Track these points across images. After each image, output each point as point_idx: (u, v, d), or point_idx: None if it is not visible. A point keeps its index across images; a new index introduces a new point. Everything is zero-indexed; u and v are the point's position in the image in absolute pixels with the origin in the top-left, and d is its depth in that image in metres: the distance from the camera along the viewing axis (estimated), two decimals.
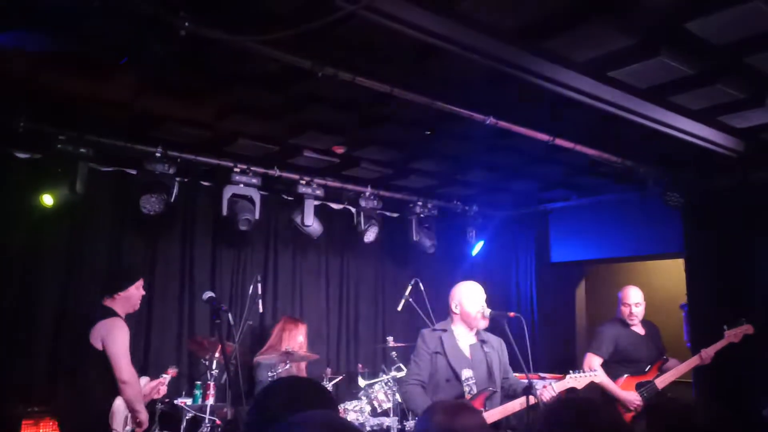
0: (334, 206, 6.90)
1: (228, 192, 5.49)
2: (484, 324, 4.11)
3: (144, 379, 4.45)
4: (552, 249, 7.47)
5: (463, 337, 4.10)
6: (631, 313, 4.95)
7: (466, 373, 3.95)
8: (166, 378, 4.64)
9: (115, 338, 3.95)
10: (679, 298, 6.36)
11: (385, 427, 5.36)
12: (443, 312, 4.37)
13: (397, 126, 4.89)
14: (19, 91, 4.26)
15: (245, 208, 5.57)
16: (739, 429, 1.95)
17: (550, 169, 6.09)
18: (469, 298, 4.10)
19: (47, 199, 4.81)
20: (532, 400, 3.72)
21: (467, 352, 4.06)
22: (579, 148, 5.06)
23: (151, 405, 4.66)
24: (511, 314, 4.00)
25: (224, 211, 5.50)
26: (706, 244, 5.82)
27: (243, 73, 3.99)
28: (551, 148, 5.04)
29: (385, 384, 5.58)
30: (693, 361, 4.82)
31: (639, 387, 4.81)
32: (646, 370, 4.88)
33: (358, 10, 2.90)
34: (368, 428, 5.30)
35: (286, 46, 3.45)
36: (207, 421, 4.86)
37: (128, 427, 4.01)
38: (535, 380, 4.02)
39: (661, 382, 4.80)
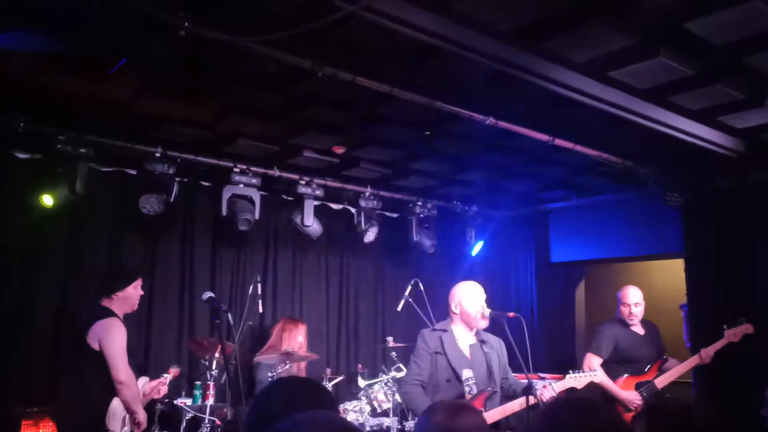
0: (334, 206, 6.91)
1: (227, 192, 5.50)
2: (483, 324, 4.11)
3: (143, 379, 4.45)
4: (552, 249, 7.47)
5: (463, 338, 4.10)
6: (630, 313, 4.95)
7: (466, 373, 3.95)
8: (166, 378, 4.63)
9: (112, 338, 3.93)
10: (679, 298, 6.37)
11: (384, 427, 5.36)
12: (443, 312, 4.37)
13: (396, 126, 4.89)
14: (19, 91, 4.25)
15: (245, 208, 5.57)
16: (739, 429, 1.95)
17: (550, 169, 6.09)
18: (469, 298, 4.10)
19: (47, 200, 4.81)
20: (531, 400, 3.72)
21: (467, 353, 4.06)
22: (579, 148, 5.07)
23: (150, 405, 4.65)
24: (511, 314, 3.99)
25: (224, 212, 5.51)
26: (705, 244, 5.82)
27: (243, 73, 3.99)
28: (551, 148, 5.05)
29: (385, 384, 5.58)
30: (693, 361, 4.82)
31: (639, 387, 4.81)
32: (646, 370, 4.88)
33: (358, 11, 2.90)
34: (368, 428, 5.29)
35: (286, 46, 3.45)
36: (207, 421, 4.85)
37: (126, 428, 3.99)
38: (534, 380, 4.02)
39: (661, 381, 4.80)
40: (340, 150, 5.46)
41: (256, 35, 3.17)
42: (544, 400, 3.86)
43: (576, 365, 5.04)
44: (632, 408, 4.74)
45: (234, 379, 4.34)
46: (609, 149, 5.29)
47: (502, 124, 4.51)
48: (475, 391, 3.92)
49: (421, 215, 6.81)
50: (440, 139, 5.21)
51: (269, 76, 3.99)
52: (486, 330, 4.19)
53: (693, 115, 4.51)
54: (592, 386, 4.36)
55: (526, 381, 3.78)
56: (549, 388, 3.95)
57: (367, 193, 6.38)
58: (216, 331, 5.13)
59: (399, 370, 5.73)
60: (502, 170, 6.15)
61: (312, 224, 6.04)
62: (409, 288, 6.07)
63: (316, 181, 5.99)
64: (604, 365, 4.85)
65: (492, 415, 3.84)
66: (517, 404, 3.88)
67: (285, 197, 6.48)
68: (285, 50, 3.48)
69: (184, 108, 4.59)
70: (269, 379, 5.04)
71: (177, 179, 5.34)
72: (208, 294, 4.02)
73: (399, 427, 5.34)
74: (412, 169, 6.14)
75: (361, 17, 2.98)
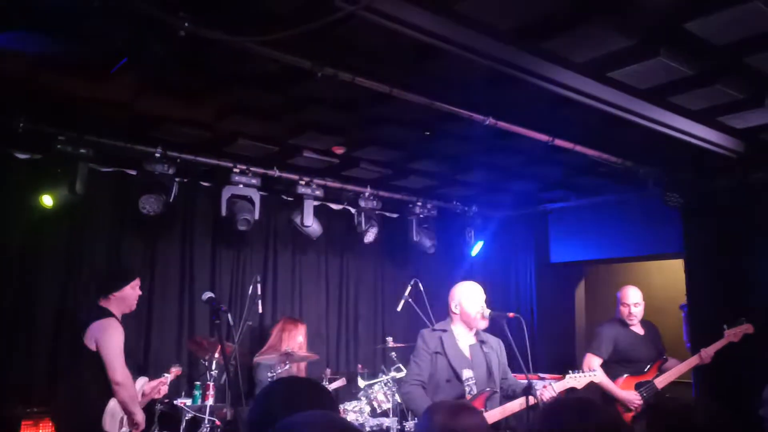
0: (334, 206, 6.91)
1: (227, 192, 5.50)
2: (483, 324, 4.11)
3: (142, 380, 4.43)
4: (551, 249, 7.47)
5: (463, 338, 4.11)
6: (630, 313, 4.95)
7: (466, 374, 3.95)
8: (167, 377, 4.62)
9: (109, 339, 3.90)
10: (679, 298, 6.37)
11: (384, 427, 5.36)
12: (443, 312, 4.37)
13: (396, 126, 4.89)
14: (19, 91, 4.25)
15: (244, 208, 5.57)
16: (738, 429, 1.95)
17: (550, 170, 6.09)
18: (469, 298, 4.10)
19: (47, 200, 4.80)
20: (531, 400, 3.72)
21: (467, 353, 4.06)
22: (578, 148, 5.07)
23: (150, 405, 4.65)
24: (511, 315, 3.99)
25: (223, 212, 5.51)
26: (705, 245, 5.82)
27: (242, 73, 3.99)
28: (551, 149, 5.04)
29: (385, 384, 5.58)
30: (693, 361, 4.82)
31: (638, 387, 4.81)
32: (646, 370, 4.88)
33: (358, 11, 2.90)
34: (368, 429, 5.29)
35: (286, 46, 3.45)
36: (206, 421, 4.85)
37: (125, 429, 3.98)
38: (534, 380, 4.02)
39: (661, 381, 4.80)
40: (339, 150, 5.46)
41: (256, 35, 3.17)
42: (544, 400, 3.86)
43: (576, 365, 5.03)
44: (632, 408, 4.75)
45: (234, 380, 4.34)
46: (609, 149, 5.29)
47: (502, 124, 4.51)
48: (475, 391, 3.92)
49: (421, 215, 6.81)
50: (440, 140, 5.21)
51: (269, 77, 3.99)
52: (486, 330, 4.19)
53: (693, 116, 4.52)
54: (592, 386, 4.36)
55: (525, 381, 3.78)
56: (549, 388, 3.95)
57: (367, 194, 6.38)
58: (216, 331, 5.13)
59: (399, 370, 5.72)
60: (502, 170, 6.16)
61: (312, 224, 6.05)
62: (409, 288, 6.07)
63: (316, 181, 5.99)
64: (603, 365, 4.86)
65: (492, 416, 3.84)
66: (517, 404, 3.88)
67: (285, 197, 6.48)
68: (285, 50, 3.48)
69: (184, 108, 4.59)
70: (269, 380, 5.04)
71: (177, 179, 5.34)
72: (207, 294, 4.01)
73: (399, 427, 5.33)
74: (411, 170, 6.14)
75: (360, 17, 2.98)
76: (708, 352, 4.80)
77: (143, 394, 4.40)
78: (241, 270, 6.30)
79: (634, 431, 4.72)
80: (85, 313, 4.15)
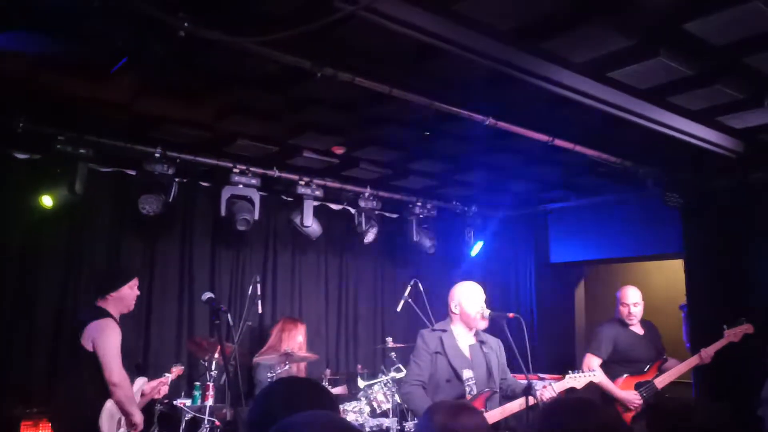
0: (334, 207, 6.91)
1: (227, 193, 5.50)
2: (483, 324, 4.11)
3: (141, 380, 4.41)
4: (551, 249, 7.48)
5: (463, 338, 4.10)
6: (629, 313, 4.95)
7: (466, 374, 3.95)
8: (168, 377, 4.61)
9: (105, 340, 3.87)
10: (678, 298, 6.37)
11: (384, 427, 5.35)
12: (443, 312, 4.37)
13: (396, 126, 4.89)
14: (18, 91, 4.25)
15: (243, 208, 5.56)
16: (738, 429, 1.96)
17: (550, 170, 6.09)
18: (469, 298, 4.10)
19: (46, 201, 4.80)
20: (531, 400, 3.72)
21: (467, 353, 4.05)
22: (578, 148, 5.07)
23: (150, 405, 4.65)
24: (511, 315, 3.99)
25: (223, 212, 5.50)
26: (705, 245, 5.82)
27: (242, 73, 3.99)
28: (550, 149, 5.04)
29: (385, 385, 5.58)
30: (693, 361, 4.82)
31: (638, 387, 4.81)
32: (646, 369, 4.88)
33: (357, 11, 2.90)
34: (367, 429, 5.29)
35: (286, 46, 3.45)
36: (206, 422, 4.85)
37: (123, 429, 3.96)
38: (534, 381, 4.02)
39: (661, 381, 4.80)
40: (339, 150, 5.46)
41: (256, 36, 3.17)
42: (544, 400, 3.86)
43: (576, 365, 5.04)
44: (632, 408, 4.75)
45: (233, 380, 4.33)
46: (608, 149, 5.29)
47: (502, 124, 4.51)
48: (475, 391, 3.92)
49: (421, 216, 6.81)
50: (440, 140, 5.21)
51: (269, 77, 3.99)
52: (486, 330, 4.19)
53: (692, 116, 4.52)
54: (592, 386, 4.36)
55: (525, 381, 3.78)
56: (549, 388, 3.95)
57: (367, 194, 6.38)
58: (215, 331, 5.11)
59: (398, 370, 5.72)
60: (502, 170, 6.16)
61: (311, 224, 6.05)
62: (409, 288, 6.07)
63: (316, 181, 5.99)
64: (603, 365, 4.86)
65: (492, 416, 3.84)
66: (516, 405, 3.87)
67: (284, 197, 6.48)
68: (284, 51, 3.48)
69: (183, 108, 4.59)
70: (269, 380, 5.04)
71: (176, 179, 5.34)
72: (207, 294, 4.01)
73: (398, 427, 5.33)
74: (411, 170, 6.14)
75: (360, 18, 2.98)
76: (708, 352, 4.79)
77: (142, 394, 4.39)
78: (240, 270, 6.29)
79: (634, 431, 4.72)
80: (82, 313, 4.13)
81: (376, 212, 6.58)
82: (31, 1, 3.10)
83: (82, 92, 4.26)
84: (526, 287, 7.61)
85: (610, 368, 4.87)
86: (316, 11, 2.91)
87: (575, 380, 4.10)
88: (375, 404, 5.48)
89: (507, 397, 4.07)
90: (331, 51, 3.59)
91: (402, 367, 5.65)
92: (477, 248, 7.37)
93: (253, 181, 5.58)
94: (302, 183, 5.92)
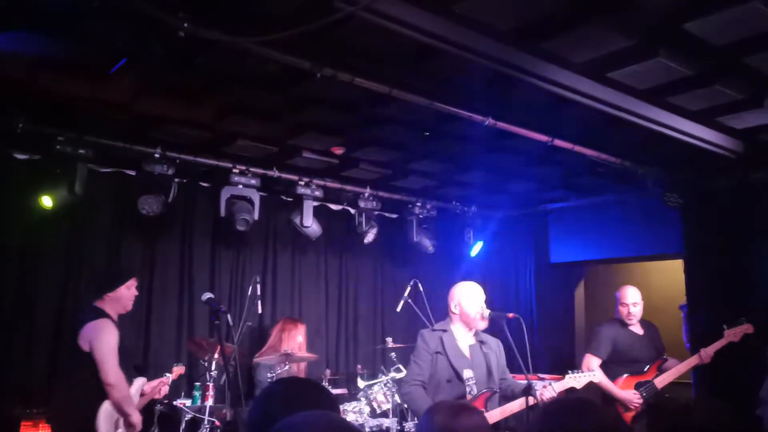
0: (333, 207, 6.91)
1: (226, 193, 5.50)
2: (483, 325, 4.11)
3: (140, 380, 4.40)
4: (551, 249, 7.48)
5: (463, 338, 4.10)
6: (629, 313, 4.95)
7: (466, 374, 3.95)
8: (168, 377, 4.61)
9: (101, 340, 3.85)
10: (678, 298, 6.37)
11: (384, 428, 5.36)
12: (442, 313, 4.37)
13: (396, 127, 4.89)
14: (18, 91, 4.25)
15: (243, 209, 5.56)
16: (738, 429, 1.96)
17: (549, 170, 6.09)
18: (469, 298, 4.10)
19: (46, 201, 4.80)
20: (531, 400, 3.72)
21: (467, 353, 4.06)
22: (578, 148, 5.07)
23: (150, 406, 4.65)
24: (511, 315, 3.99)
25: (222, 212, 5.50)
26: (705, 245, 5.82)
27: (242, 73, 3.99)
28: (550, 149, 5.05)
29: (385, 385, 5.58)
30: (692, 361, 4.82)
31: (638, 387, 4.81)
32: (645, 369, 4.88)
33: (357, 12, 2.90)
34: (367, 429, 5.29)
35: (286, 47, 3.45)
36: (206, 422, 4.85)
37: (121, 430, 3.95)
38: (534, 381, 4.02)
39: (661, 381, 4.80)
40: (339, 151, 5.46)
41: (256, 36, 3.17)
42: (544, 400, 3.85)
43: (576, 365, 5.04)
44: (632, 408, 4.75)
45: (233, 380, 4.33)
46: (608, 150, 5.29)
47: (501, 124, 4.51)
48: (475, 391, 3.92)
49: (421, 216, 6.81)
50: (439, 140, 5.21)
51: (268, 77, 3.99)
52: (485, 331, 4.19)
53: (692, 116, 4.52)
54: (592, 386, 4.36)
55: (525, 381, 3.78)
56: (549, 388, 3.95)
57: (367, 194, 6.38)
58: (215, 331, 5.11)
59: (398, 370, 5.72)
60: (502, 171, 6.16)
61: (311, 225, 6.04)
62: (409, 289, 6.07)
63: (316, 181, 5.99)
64: (603, 365, 4.86)
65: (492, 416, 3.84)
66: (516, 405, 3.87)
67: (284, 198, 6.48)
68: (284, 51, 3.48)
69: (183, 108, 4.58)
70: (269, 380, 5.03)
71: (176, 180, 5.33)
72: (207, 295, 4.01)
73: (398, 428, 5.34)
74: (411, 170, 6.14)
75: (360, 18, 2.98)
76: (708, 352, 4.79)
77: (142, 394, 4.38)
78: (240, 270, 6.29)
79: (634, 431, 4.72)
80: (80, 314, 4.12)
81: (376, 212, 6.58)
82: (31, 1, 3.10)
83: (82, 92, 4.26)
84: (526, 287, 7.61)
85: (609, 368, 4.87)
86: (316, 11, 2.91)
87: (575, 380, 4.10)
88: (375, 404, 5.48)
89: (506, 397, 4.06)
90: (331, 51, 3.58)
91: (402, 368, 5.65)
92: (477, 248, 7.38)
93: (253, 182, 5.58)
94: (302, 183, 5.92)
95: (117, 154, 5.16)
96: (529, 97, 4.12)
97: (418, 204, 6.79)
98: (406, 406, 5.38)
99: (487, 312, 4.06)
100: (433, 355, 4.01)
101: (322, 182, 6.05)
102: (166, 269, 5.84)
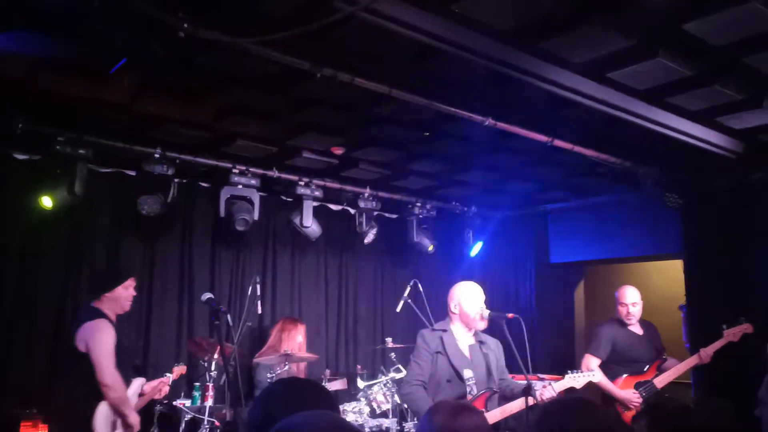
0: (333, 207, 6.91)
1: (226, 193, 5.50)
2: (482, 325, 4.11)
3: (139, 380, 4.39)
4: (551, 249, 7.48)
5: (462, 338, 4.11)
6: (628, 313, 4.96)
7: (466, 373, 3.95)
8: (169, 377, 4.60)
9: (97, 341, 3.82)
10: (678, 299, 6.37)
11: (384, 428, 5.36)
12: (442, 313, 4.37)
13: (395, 127, 4.89)
14: (18, 91, 4.25)
15: (243, 209, 5.57)
16: (738, 428, 1.96)
17: (549, 170, 6.09)
18: (468, 298, 4.10)
19: (46, 201, 4.80)
20: (531, 400, 3.72)
21: (467, 353, 4.06)
22: (578, 149, 5.07)
23: (150, 406, 4.65)
24: (510, 315, 3.99)
25: (222, 212, 5.50)
26: (705, 245, 5.82)
27: (242, 74, 3.99)
28: (550, 149, 5.04)
29: (384, 385, 5.58)
30: (692, 361, 4.82)
31: (638, 386, 4.81)
32: (645, 369, 4.88)
33: (357, 12, 2.90)
34: (367, 429, 5.29)
35: (285, 47, 3.45)
36: (206, 422, 4.85)
37: (118, 431, 3.93)
38: (534, 381, 4.02)
39: (660, 381, 4.80)
40: (339, 151, 5.46)
41: (256, 36, 3.17)
42: (544, 400, 3.85)
43: (575, 365, 5.04)
44: (632, 407, 4.75)
45: (233, 380, 4.33)
46: (608, 150, 5.29)
47: (501, 124, 4.51)
48: (475, 391, 3.92)
49: (421, 216, 6.81)
50: (439, 140, 5.21)
51: (268, 77, 3.99)
52: (485, 331, 4.19)
53: (692, 116, 4.52)
54: (592, 386, 4.37)
55: (525, 382, 3.78)
56: (549, 388, 3.95)
57: (366, 194, 6.38)
58: (215, 331, 5.11)
59: (398, 371, 5.72)
60: (501, 171, 6.16)
61: (311, 225, 6.05)
62: (408, 289, 6.07)
63: (315, 182, 5.99)
64: (603, 365, 4.86)
65: (492, 416, 3.84)
66: (516, 405, 3.87)
67: (284, 198, 6.48)
68: (284, 51, 3.48)
69: (183, 109, 4.58)
70: (268, 380, 5.03)
71: (176, 180, 5.34)
72: (207, 295, 4.01)
73: (398, 428, 5.34)
74: (411, 170, 6.14)
75: (360, 18, 2.98)
76: (707, 351, 4.80)
77: (141, 395, 4.37)
78: (240, 270, 6.30)
79: (634, 431, 4.72)
80: (78, 314, 4.11)
81: (376, 213, 6.58)
82: (31, 1, 3.10)
83: (82, 92, 4.26)
84: (526, 287, 7.61)
85: (609, 368, 4.87)
86: (316, 12, 2.91)
87: (575, 380, 4.10)
88: (375, 405, 5.48)
89: (506, 397, 4.07)
90: (331, 51, 3.58)
91: (402, 368, 5.65)
92: (477, 248, 7.38)
93: (253, 182, 5.58)
94: (302, 183, 5.92)
95: (117, 154, 5.16)
96: (528, 98, 4.12)
97: (418, 204, 6.79)
98: (405, 406, 5.38)
99: (486, 312, 4.06)
100: (434, 355, 4.01)
101: (321, 182, 6.05)
102: (166, 269, 5.84)
